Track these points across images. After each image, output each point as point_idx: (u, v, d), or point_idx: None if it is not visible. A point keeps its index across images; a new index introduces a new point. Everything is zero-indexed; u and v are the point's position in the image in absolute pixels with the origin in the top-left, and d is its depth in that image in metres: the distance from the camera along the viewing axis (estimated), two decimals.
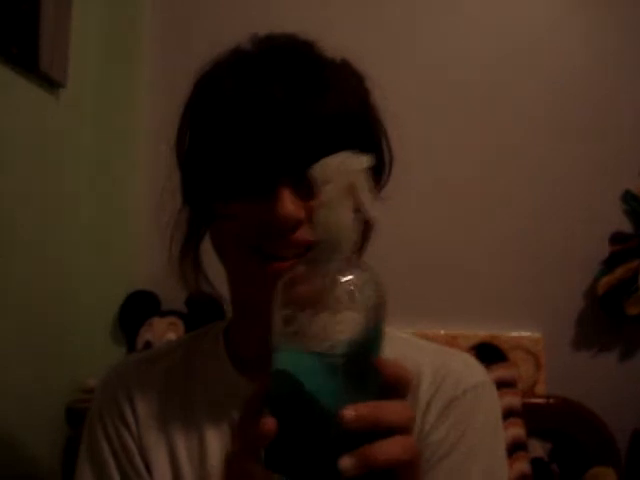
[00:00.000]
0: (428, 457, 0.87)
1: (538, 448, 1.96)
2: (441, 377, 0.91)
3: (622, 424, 2.06)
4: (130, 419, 0.94)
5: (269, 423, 0.60)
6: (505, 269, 2.19)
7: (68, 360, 1.88)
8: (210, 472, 0.90)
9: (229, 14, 2.17)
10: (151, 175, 2.10)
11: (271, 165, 0.82)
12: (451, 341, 2.09)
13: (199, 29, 2.23)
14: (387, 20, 2.22)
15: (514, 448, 1.78)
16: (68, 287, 1.90)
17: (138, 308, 2.10)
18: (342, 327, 0.60)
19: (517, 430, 1.83)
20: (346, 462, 0.58)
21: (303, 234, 0.82)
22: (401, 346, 0.92)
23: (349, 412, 0.58)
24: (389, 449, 0.59)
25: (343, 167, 0.63)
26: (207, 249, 0.96)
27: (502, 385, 1.83)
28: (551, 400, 2.02)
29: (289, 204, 0.81)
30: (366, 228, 0.87)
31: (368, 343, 0.62)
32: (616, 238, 2.16)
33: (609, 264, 2.14)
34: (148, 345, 2.03)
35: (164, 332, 2.03)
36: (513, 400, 1.85)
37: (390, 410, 0.61)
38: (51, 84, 1.79)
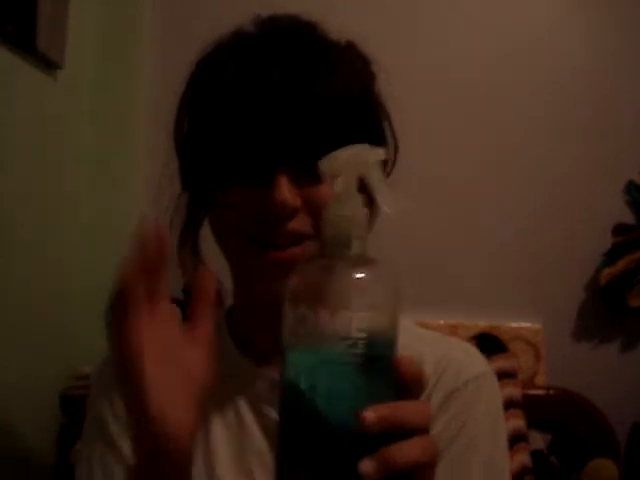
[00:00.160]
0: None
1: (538, 440, 1.95)
2: (442, 367, 0.91)
3: (622, 416, 2.05)
4: None
5: None
6: (506, 259, 2.17)
7: (61, 347, 1.86)
8: (213, 455, 0.89)
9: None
10: (151, 162, 2.06)
11: (269, 152, 0.81)
12: (451, 331, 2.07)
13: (200, 6, 2.20)
14: (389, 7, 2.19)
15: (515, 439, 1.76)
16: (63, 273, 1.88)
17: None
18: (358, 325, 0.58)
19: (518, 421, 1.82)
20: (367, 466, 0.56)
21: (300, 222, 0.82)
22: (402, 334, 0.90)
23: (370, 414, 0.56)
24: (410, 451, 0.58)
25: (354, 160, 0.61)
26: (206, 235, 0.95)
27: (502, 376, 1.81)
28: (551, 391, 2.01)
29: (286, 192, 0.80)
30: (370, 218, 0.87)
31: (385, 341, 0.61)
32: (619, 229, 2.14)
33: (611, 255, 2.13)
34: None
35: None
36: (513, 391, 1.83)
37: (410, 410, 0.59)
38: (49, 65, 1.75)
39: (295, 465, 0.60)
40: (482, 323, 2.09)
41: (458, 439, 0.87)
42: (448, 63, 2.20)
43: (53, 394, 1.83)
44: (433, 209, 2.14)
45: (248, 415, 0.90)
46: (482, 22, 2.22)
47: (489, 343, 1.99)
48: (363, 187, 0.61)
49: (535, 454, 1.88)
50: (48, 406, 1.81)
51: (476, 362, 0.95)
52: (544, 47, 2.21)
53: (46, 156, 1.78)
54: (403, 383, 0.60)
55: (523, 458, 1.79)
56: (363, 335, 0.58)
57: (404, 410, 0.59)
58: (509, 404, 1.79)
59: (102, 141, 2.04)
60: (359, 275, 0.60)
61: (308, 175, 0.80)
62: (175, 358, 0.66)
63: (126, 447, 0.90)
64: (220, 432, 0.91)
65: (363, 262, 0.61)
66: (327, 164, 0.62)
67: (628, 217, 2.17)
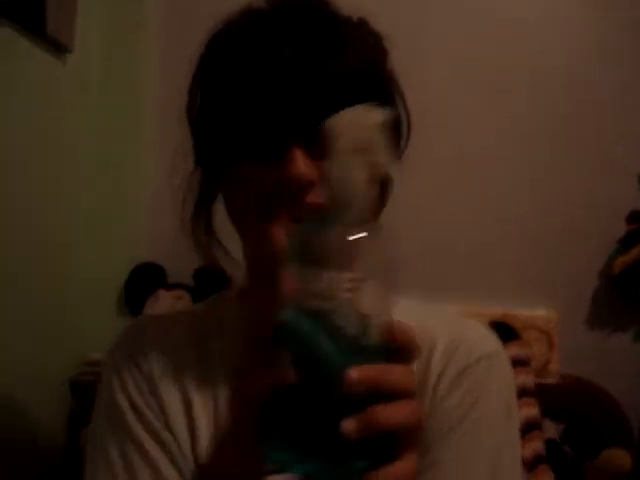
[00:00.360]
0: (440, 425, 0.85)
1: (551, 429, 1.94)
2: (455, 346, 0.89)
3: (636, 404, 2.03)
4: (147, 373, 0.93)
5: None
6: (519, 247, 2.16)
7: (72, 333, 1.87)
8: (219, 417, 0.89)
9: None
10: (158, 144, 2.08)
11: (283, 125, 0.80)
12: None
13: None
14: None
15: (528, 427, 1.75)
16: (71, 260, 1.88)
17: (144, 281, 2.06)
18: (351, 287, 0.58)
19: (531, 409, 1.80)
20: (349, 425, 0.57)
21: (316, 196, 0.80)
22: (417, 313, 0.90)
23: (354, 374, 0.57)
24: (393, 413, 0.58)
25: (358, 121, 0.60)
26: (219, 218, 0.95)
27: (515, 364, 1.79)
28: (564, 380, 2.00)
29: (301, 164, 0.79)
30: (383, 190, 0.87)
31: (377, 304, 0.60)
32: (633, 217, 2.12)
33: (625, 243, 2.11)
34: None
35: (170, 305, 2.00)
36: (526, 379, 1.82)
37: (395, 374, 0.60)
38: (58, 48, 1.75)
39: (278, 422, 0.60)
40: (495, 311, 2.07)
41: (470, 416, 0.86)
42: (463, 37, 2.18)
43: (63, 380, 1.84)
44: (445, 194, 2.13)
45: None
46: None
47: (502, 331, 1.97)
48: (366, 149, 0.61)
49: (548, 443, 1.87)
50: (59, 391, 1.83)
51: (489, 341, 0.93)
52: (563, 15, 2.19)
53: (53, 138, 1.77)
54: (395, 348, 0.60)
55: (537, 446, 1.78)
56: (354, 298, 0.58)
57: (390, 373, 0.59)
58: (522, 392, 1.78)
59: (110, 123, 2.04)
60: (355, 237, 0.60)
61: (322, 147, 0.79)
62: None
63: (141, 433, 0.90)
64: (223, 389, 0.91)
65: (362, 225, 0.61)
66: (331, 124, 0.61)
67: None
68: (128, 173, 2.11)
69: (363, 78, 0.83)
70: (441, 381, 0.87)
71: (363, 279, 0.59)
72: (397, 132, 0.90)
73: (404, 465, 0.59)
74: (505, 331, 1.98)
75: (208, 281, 1.98)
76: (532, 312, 2.11)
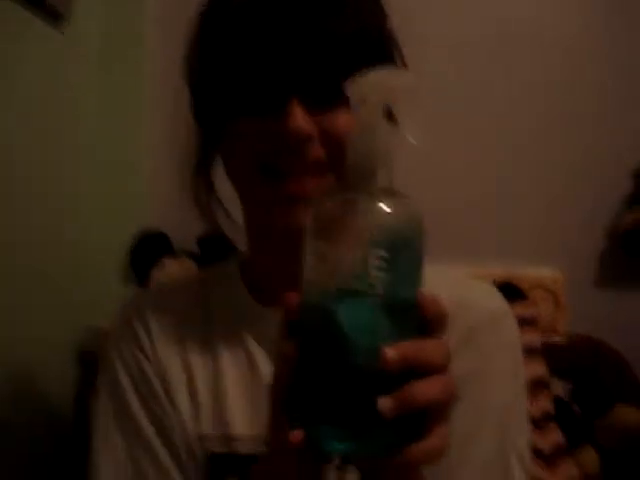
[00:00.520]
0: None
1: (559, 388, 1.93)
2: (461, 306, 0.88)
3: None
4: (147, 345, 0.93)
5: (289, 347, 0.59)
6: (524, 206, 2.15)
7: (78, 302, 1.87)
8: (224, 394, 0.89)
9: None
10: (159, 113, 2.07)
11: (281, 79, 0.80)
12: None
13: None
14: None
15: (536, 386, 1.75)
16: (76, 229, 1.88)
17: (149, 249, 2.06)
18: (379, 263, 0.56)
19: (538, 368, 1.80)
20: (386, 403, 0.56)
21: (315, 151, 0.80)
22: None
23: (391, 352, 0.56)
24: (429, 390, 0.58)
25: (382, 85, 0.57)
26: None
27: (522, 323, 1.78)
28: (572, 339, 1.99)
29: (300, 118, 0.79)
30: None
31: (406, 279, 0.59)
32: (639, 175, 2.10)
33: (632, 200, 2.09)
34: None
35: (176, 273, 2.00)
36: (533, 338, 1.82)
37: (431, 349, 0.59)
38: (56, 17, 1.73)
39: (310, 397, 0.58)
40: (500, 271, 2.07)
41: (477, 375, 0.86)
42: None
43: (71, 348, 1.84)
44: (448, 155, 2.11)
45: (259, 355, 0.90)
46: None
47: (508, 291, 1.97)
48: (391, 114, 0.58)
49: (557, 401, 1.87)
50: (67, 360, 1.83)
51: (495, 301, 0.93)
52: None
53: (53, 108, 1.76)
54: (425, 321, 0.60)
55: (545, 404, 1.78)
56: (383, 274, 0.56)
57: (425, 349, 0.59)
58: (529, 351, 1.78)
59: (110, 92, 2.03)
60: (381, 211, 0.57)
61: (322, 103, 0.80)
62: None
63: (143, 418, 0.90)
64: (231, 372, 0.91)
65: (387, 196, 0.58)
66: (353, 88, 0.59)
67: None
68: (130, 141, 2.10)
69: (362, 35, 0.82)
70: (448, 338, 0.87)
71: (391, 253, 0.56)
72: None
73: (435, 441, 0.59)
74: (511, 291, 1.97)
75: (213, 248, 1.98)
76: (538, 272, 2.10)
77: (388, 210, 0.57)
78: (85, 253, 1.91)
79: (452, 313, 0.88)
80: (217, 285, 0.98)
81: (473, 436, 0.85)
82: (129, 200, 2.08)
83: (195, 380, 0.91)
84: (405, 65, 0.91)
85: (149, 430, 0.90)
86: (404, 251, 0.58)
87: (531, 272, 2.09)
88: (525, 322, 1.81)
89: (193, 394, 0.90)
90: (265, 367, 0.89)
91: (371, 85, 0.58)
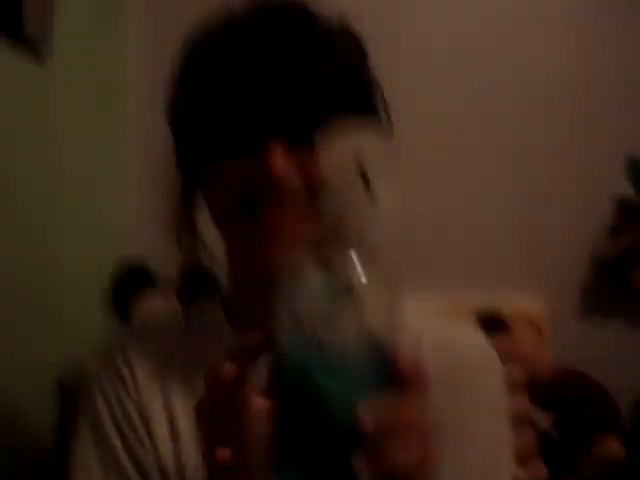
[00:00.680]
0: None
1: (542, 419, 1.93)
2: (441, 345, 0.89)
3: (626, 394, 2.03)
4: (130, 384, 0.93)
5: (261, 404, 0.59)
6: (507, 236, 2.16)
7: (59, 335, 1.85)
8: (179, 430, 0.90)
9: None
10: (143, 144, 2.08)
11: (260, 121, 0.82)
12: (451, 310, 2.04)
13: None
14: None
15: (519, 420, 1.74)
16: (57, 259, 1.86)
17: (130, 280, 2.04)
18: (353, 324, 0.56)
19: (522, 401, 1.79)
20: (360, 464, 0.56)
21: (294, 189, 0.81)
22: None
23: (366, 415, 0.56)
24: (407, 454, 0.57)
25: (356, 149, 0.58)
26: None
27: (505, 357, 1.78)
28: (555, 370, 1.99)
29: (279, 160, 0.80)
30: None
31: (383, 337, 0.59)
32: (621, 203, 2.12)
33: (616, 230, 2.10)
34: (140, 317, 1.99)
35: (157, 305, 1.98)
36: (517, 372, 1.81)
37: (408, 409, 0.59)
38: (36, 52, 1.73)
39: (288, 451, 0.58)
40: (484, 303, 2.07)
41: (460, 419, 0.86)
42: (450, 31, 2.20)
43: (50, 381, 1.82)
44: (433, 187, 2.12)
45: None
46: None
47: (491, 322, 1.97)
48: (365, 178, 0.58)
49: (540, 433, 1.87)
50: (45, 393, 1.80)
51: (479, 343, 0.94)
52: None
53: (37, 141, 1.76)
54: (404, 379, 0.59)
55: (527, 438, 1.77)
56: (359, 334, 0.57)
57: (402, 410, 0.59)
58: (513, 385, 1.77)
59: (93, 124, 2.03)
60: (356, 274, 0.58)
61: (301, 142, 0.81)
62: None
63: (121, 451, 0.90)
64: None
65: (362, 261, 0.59)
66: (327, 151, 0.59)
67: (631, 190, 2.14)
68: (112, 174, 2.10)
69: (340, 75, 0.84)
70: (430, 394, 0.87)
71: (365, 315, 0.57)
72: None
73: None
74: (494, 322, 1.97)
75: (195, 281, 1.96)
76: (522, 302, 2.10)
77: (363, 274, 0.58)
78: (66, 284, 1.89)
79: (436, 355, 0.88)
80: (201, 327, 0.98)
81: (459, 475, 0.84)
82: (110, 231, 2.07)
83: (177, 419, 0.90)
84: (386, 105, 0.92)
85: (126, 461, 0.89)
86: (379, 313, 0.58)
87: (515, 302, 2.10)
88: (508, 356, 1.80)
89: (174, 430, 0.90)
90: None
91: (345, 149, 0.58)
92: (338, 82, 0.83)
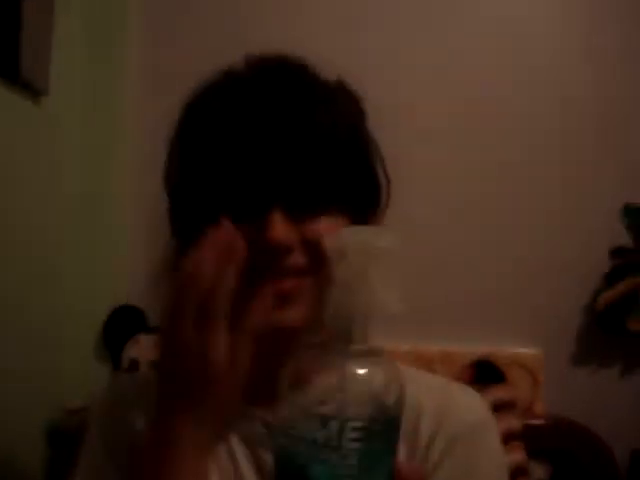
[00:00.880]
0: None
1: (538, 470, 1.91)
2: (443, 414, 0.88)
3: (622, 443, 2.01)
4: (131, 431, 0.89)
5: None
6: (503, 284, 2.14)
7: (50, 381, 1.83)
8: None
9: (216, 18, 2.14)
10: (139, 186, 2.06)
11: (263, 190, 0.80)
12: (446, 358, 2.03)
13: (186, 32, 2.17)
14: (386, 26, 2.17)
15: (515, 473, 1.73)
16: (50, 304, 1.85)
17: (123, 324, 2.03)
18: (353, 434, 0.55)
19: (517, 454, 1.78)
20: None
21: (295, 257, 0.80)
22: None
23: None
24: None
25: (364, 245, 0.57)
26: None
27: (501, 407, 1.77)
28: (550, 420, 1.97)
29: (281, 229, 0.78)
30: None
31: (384, 445, 0.57)
32: (617, 252, 2.11)
33: (610, 279, 2.10)
34: (134, 362, 1.97)
35: (150, 349, 1.97)
36: (513, 422, 1.80)
37: None
38: (33, 92, 1.73)
39: None
40: (479, 350, 2.06)
41: None
42: (451, 70, 2.19)
43: (41, 428, 1.80)
44: (430, 234, 2.11)
45: (242, 457, 0.87)
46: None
47: (487, 371, 1.95)
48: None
49: None
50: (36, 440, 1.78)
51: (478, 408, 0.92)
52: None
53: (35, 184, 1.76)
54: None
55: None
56: (356, 445, 0.55)
57: None
58: (509, 436, 1.75)
59: (88, 149, 2.02)
60: (358, 373, 0.57)
61: (303, 211, 0.80)
62: None
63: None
64: (211, 469, 0.84)
65: (364, 358, 0.57)
66: (335, 243, 0.59)
67: (626, 240, 2.14)
68: (108, 218, 2.09)
69: (339, 138, 0.83)
70: (431, 449, 0.86)
71: (369, 427, 0.55)
72: (375, 194, 0.90)
73: None
74: (490, 371, 1.96)
75: None
76: (517, 350, 2.09)
77: (365, 374, 0.57)
78: (58, 328, 1.88)
79: (436, 423, 0.88)
80: None
81: None
82: (104, 275, 2.05)
83: None
84: (383, 164, 0.91)
85: None
86: (380, 419, 0.56)
87: (510, 350, 2.08)
88: (504, 406, 1.79)
89: None
90: (248, 470, 0.87)
91: (353, 243, 0.57)
92: (339, 146, 0.82)
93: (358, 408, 0.55)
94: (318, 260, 0.74)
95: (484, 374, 1.90)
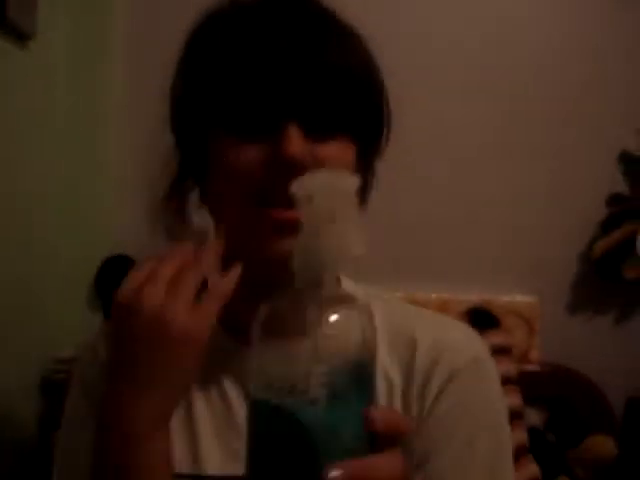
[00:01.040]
0: (434, 433, 0.83)
1: (534, 416, 1.91)
2: (440, 349, 0.86)
3: (617, 390, 2.02)
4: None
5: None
6: (498, 232, 2.13)
7: (43, 331, 1.82)
8: (198, 435, 0.86)
9: None
10: (125, 130, 2.05)
11: (281, 102, 0.77)
12: (442, 305, 2.02)
13: None
14: None
15: (510, 417, 1.72)
16: (40, 255, 1.83)
17: (115, 273, 2.01)
18: (323, 378, 0.54)
19: (513, 399, 1.78)
20: None
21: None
22: (398, 313, 0.91)
23: (336, 474, 0.53)
24: None
25: (330, 188, 0.56)
26: None
27: (497, 352, 1.76)
28: (546, 367, 1.97)
29: (297, 144, 0.75)
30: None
31: (354, 391, 0.56)
32: (614, 200, 2.10)
33: (606, 226, 2.09)
34: None
35: None
36: (508, 368, 1.80)
37: (381, 467, 0.56)
38: (19, 35, 1.70)
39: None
40: (475, 297, 2.05)
41: (462, 424, 0.84)
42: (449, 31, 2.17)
43: (34, 378, 1.80)
44: (422, 180, 2.10)
45: (232, 393, 0.87)
46: None
47: (482, 318, 1.95)
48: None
49: (532, 431, 1.85)
50: (29, 390, 1.78)
51: (475, 344, 0.90)
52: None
53: (20, 127, 1.73)
54: (378, 434, 0.57)
55: (519, 436, 1.75)
56: (328, 388, 0.54)
57: (374, 467, 0.56)
58: (504, 381, 1.74)
59: (74, 95, 1.99)
60: (327, 319, 0.56)
61: (317, 132, 0.78)
62: None
63: None
64: (204, 411, 0.87)
65: (333, 303, 0.56)
66: (299, 186, 0.57)
67: (622, 187, 2.12)
68: (97, 162, 2.06)
69: (353, 63, 0.81)
70: (429, 384, 0.85)
71: (338, 372, 0.54)
72: (380, 127, 0.88)
73: None
74: (485, 318, 1.95)
75: None
76: (512, 298, 2.09)
77: (335, 319, 0.56)
78: (49, 279, 1.87)
79: (432, 354, 0.87)
80: None
81: (463, 475, 0.83)
82: (95, 224, 2.04)
83: None
84: (387, 102, 0.89)
85: None
86: (352, 362, 0.56)
87: (505, 298, 2.08)
88: (499, 351, 1.79)
89: None
90: (238, 405, 0.86)
91: (318, 185, 0.56)
92: (354, 66, 0.81)
93: (328, 354, 0.54)
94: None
95: (480, 321, 1.89)
